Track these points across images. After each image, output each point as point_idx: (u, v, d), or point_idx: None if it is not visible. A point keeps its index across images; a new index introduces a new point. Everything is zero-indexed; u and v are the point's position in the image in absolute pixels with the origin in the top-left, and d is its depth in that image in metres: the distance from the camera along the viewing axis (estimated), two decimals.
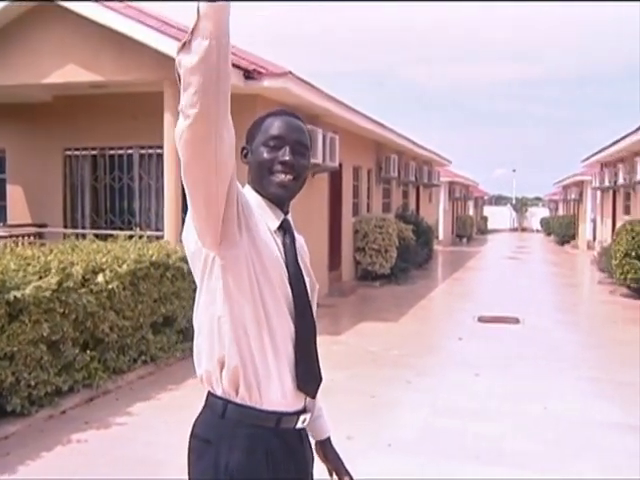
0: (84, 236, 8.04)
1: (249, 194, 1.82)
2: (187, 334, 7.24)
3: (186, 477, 1.83)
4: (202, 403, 1.84)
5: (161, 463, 4.41)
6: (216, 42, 1.42)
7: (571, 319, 10.80)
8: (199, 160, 1.53)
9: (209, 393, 1.81)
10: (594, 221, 25.40)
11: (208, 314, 1.75)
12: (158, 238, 8.11)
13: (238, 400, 1.74)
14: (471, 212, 39.58)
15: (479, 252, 26.13)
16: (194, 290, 1.83)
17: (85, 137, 10.07)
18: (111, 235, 8.13)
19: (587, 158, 22.58)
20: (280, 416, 1.77)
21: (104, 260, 6.09)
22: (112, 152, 10.09)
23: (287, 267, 1.79)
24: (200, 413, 1.83)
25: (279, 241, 1.82)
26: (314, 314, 1.88)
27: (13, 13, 8.38)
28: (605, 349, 8.36)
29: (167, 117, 7.99)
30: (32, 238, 9.58)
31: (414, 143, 18.09)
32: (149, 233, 7.95)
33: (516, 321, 10.06)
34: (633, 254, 12.19)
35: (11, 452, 4.60)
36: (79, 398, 5.69)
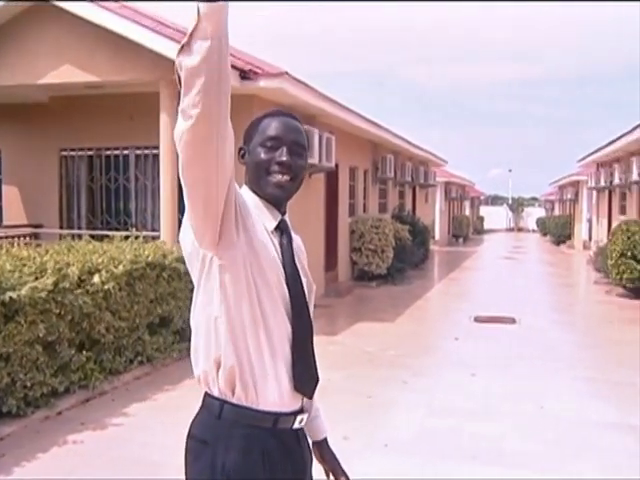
0: (80, 237, 8.03)
1: (246, 195, 1.82)
2: (183, 335, 7.23)
3: (183, 478, 1.83)
4: (199, 404, 1.84)
5: (157, 464, 4.40)
6: (217, 42, 1.43)
7: (567, 319, 10.82)
8: (200, 161, 1.53)
9: (206, 394, 1.81)
10: (590, 221, 25.45)
11: (205, 314, 1.75)
12: (154, 238, 8.11)
13: (234, 400, 1.74)
14: (467, 212, 39.62)
15: (475, 252, 26.16)
16: (190, 290, 1.83)
17: (81, 137, 10.06)
18: (107, 236, 8.12)
19: (583, 158, 22.63)
20: (277, 416, 1.77)
21: (100, 261, 6.08)
22: (108, 152, 10.08)
23: (284, 268, 1.79)
24: (197, 414, 1.83)
25: (276, 242, 1.82)
26: (311, 315, 1.88)
27: (8, 13, 8.36)
28: (601, 349, 8.37)
29: (163, 117, 7.98)
30: (28, 239, 9.56)
31: (410, 143, 18.11)
32: (145, 233, 7.95)
33: (512, 321, 10.07)
34: (629, 254, 12.21)
35: (7, 453, 4.59)
36: (75, 399, 5.68)
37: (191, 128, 1.48)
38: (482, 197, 52.39)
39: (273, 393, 1.74)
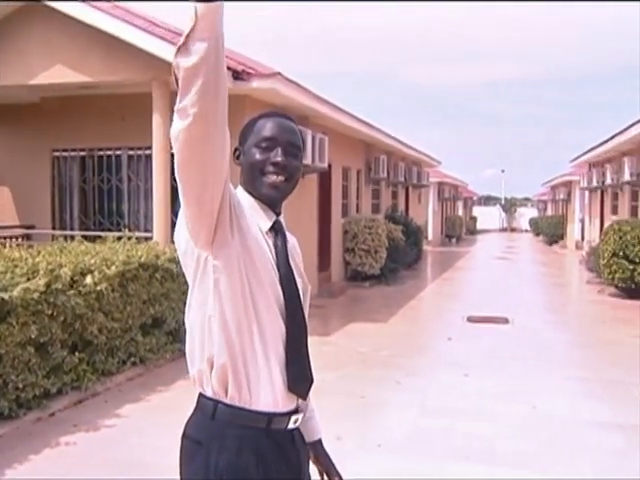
0: (72, 237, 8.01)
1: (241, 195, 1.83)
2: (176, 335, 7.22)
3: (176, 478, 1.83)
4: (192, 404, 1.84)
5: (151, 465, 4.39)
6: (214, 42, 1.43)
7: (560, 319, 10.84)
8: (196, 160, 1.54)
9: (200, 394, 1.81)
10: (582, 221, 25.55)
11: (200, 314, 1.75)
12: (147, 239, 8.09)
13: (228, 401, 1.74)
14: (460, 212, 39.72)
15: (468, 252, 26.21)
16: (184, 292, 1.83)
17: (73, 138, 10.03)
18: (100, 236, 8.10)
19: (575, 158, 22.71)
20: (271, 417, 1.77)
21: (93, 262, 6.06)
22: (101, 153, 10.06)
23: (278, 268, 1.80)
24: (192, 414, 1.84)
25: (271, 242, 1.82)
26: (306, 315, 1.88)
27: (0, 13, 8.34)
28: (594, 349, 8.40)
29: (156, 118, 7.97)
30: (20, 240, 9.54)
31: (403, 143, 18.13)
32: (138, 234, 7.93)
33: (505, 321, 10.10)
34: (621, 254, 12.26)
35: None
36: (68, 400, 5.66)
37: (188, 127, 1.49)
38: (475, 197, 52.52)
39: (267, 393, 1.74)
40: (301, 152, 1.89)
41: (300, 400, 1.84)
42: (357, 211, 15.53)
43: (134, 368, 6.62)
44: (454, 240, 32.46)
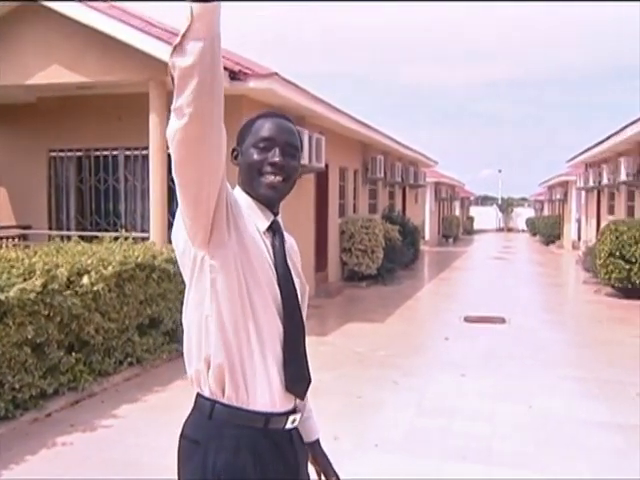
0: (69, 238, 7.99)
1: (239, 195, 1.83)
2: (173, 336, 7.21)
3: (172, 478, 1.82)
4: (189, 404, 1.84)
5: (148, 465, 4.39)
6: (210, 43, 1.43)
7: (557, 319, 10.86)
8: (192, 160, 1.54)
9: (198, 394, 1.81)
10: (579, 221, 25.60)
11: (197, 313, 1.75)
12: (144, 239, 8.08)
13: (225, 400, 1.74)
14: (457, 212, 39.75)
15: (465, 252, 26.24)
16: (180, 291, 1.83)
17: (70, 138, 10.01)
18: (96, 237, 8.09)
19: (572, 158, 22.74)
20: (268, 416, 1.77)
21: (89, 262, 6.05)
22: (97, 153, 10.04)
23: (276, 268, 1.80)
24: (189, 414, 1.84)
25: (268, 242, 1.82)
26: (304, 315, 1.88)
27: None
28: (590, 348, 8.41)
29: (152, 118, 7.96)
30: (16, 240, 9.53)
31: (400, 144, 18.14)
32: (134, 234, 7.91)
33: (502, 321, 10.11)
34: (617, 254, 12.27)
35: None
36: (64, 401, 5.65)
37: (184, 127, 1.49)
38: (472, 197, 52.56)
39: (264, 393, 1.74)
40: (299, 152, 1.89)
41: (298, 400, 1.85)
42: (354, 211, 15.53)
43: (131, 368, 6.62)
44: (451, 240, 32.49)
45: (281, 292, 1.79)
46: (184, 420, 1.85)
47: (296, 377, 1.81)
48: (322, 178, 12.91)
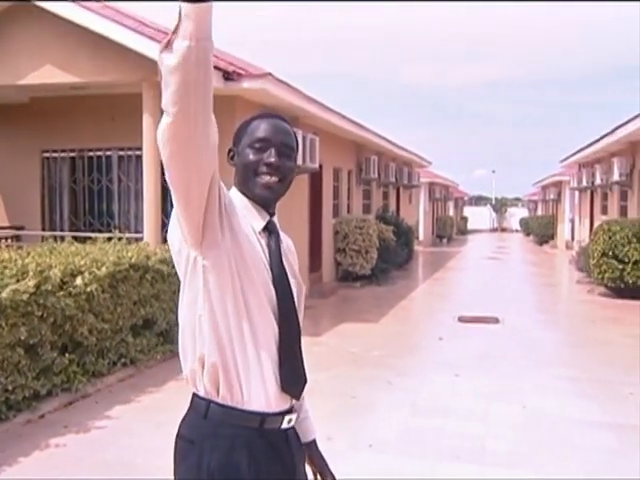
0: (62, 238, 7.97)
1: (235, 196, 1.83)
2: (167, 336, 7.20)
3: (166, 479, 1.82)
4: (183, 405, 1.85)
5: (141, 466, 4.37)
6: (196, 43, 1.43)
7: (550, 318, 10.89)
8: (179, 158, 1.54)
9: (193, 394, 1.81)
10: (572, 221, 25.67)
11: (191, 313, 1.75)
12: (137, 240, 8.06)
13: (220, 400, 1.74)
14: (451, 213, 39.82)
15: (459, 252, 26.28)
16: (174, 292, 1.83)
17: (63, 139, 9.98)
18: (90, 237, 8.06)
19: (565, 159, 22.80)
20: (264, 416, 1.76)
21: (83, 263, 6.04)
22: (91, 154, 10.01)
23: (271, 269, 1.80)
24: (185, 414, 1.84)
25: (264, 242, 1.82)
26: (300, 316, 1.88)
27: None
28: (584, 348, 8.43)
29: (146, 118, 7.94)
30: (9, 241, 9.49)
31: (394, 144, 18.16)
32: (128, 235, 7.90)
33: (496, 321, 10.13)
34: (610, 254, 12.31)
35: None
36: (58, 402, 5.63)
37: (169, 126, 1.50)
38: (466, 198, 52.67)
39: (259, 393, 1.74)
40: (295, 153, 1.90)
41: (294, 400, 1.85)
42: (348, 211, 15.54)
43: (125, 369, 6.60)
44: (445, 240, 32.54)
45: (276, 292, 1.79)
46: (179, 420, 1.85)
47: (291, 377, 1.81)
48: (316, 178, 12.91)
